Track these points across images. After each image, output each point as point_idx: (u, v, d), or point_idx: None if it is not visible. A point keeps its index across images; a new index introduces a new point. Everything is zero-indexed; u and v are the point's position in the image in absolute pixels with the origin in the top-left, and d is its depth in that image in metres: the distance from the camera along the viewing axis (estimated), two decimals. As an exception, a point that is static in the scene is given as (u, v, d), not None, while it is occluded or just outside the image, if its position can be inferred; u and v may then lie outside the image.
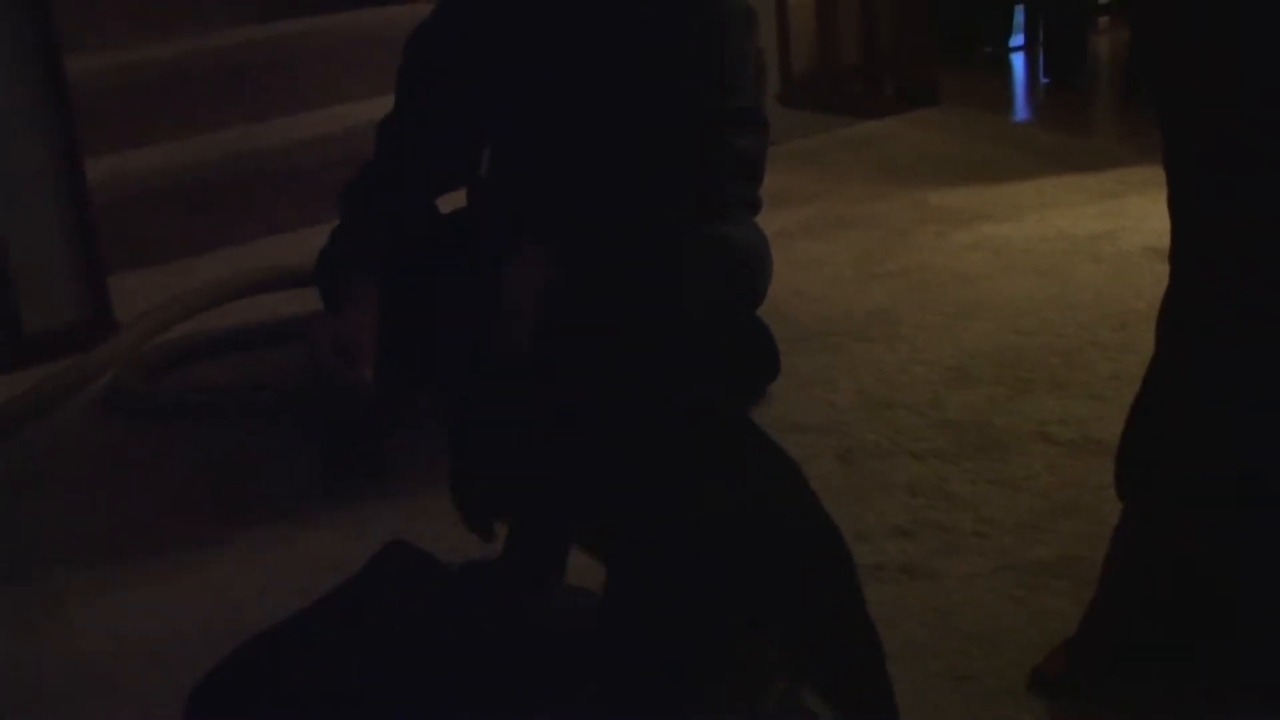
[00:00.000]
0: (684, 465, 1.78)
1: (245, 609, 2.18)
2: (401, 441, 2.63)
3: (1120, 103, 4.59)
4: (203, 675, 1.88)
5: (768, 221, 2.91)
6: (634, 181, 2.65)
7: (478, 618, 1.93)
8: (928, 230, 3.48)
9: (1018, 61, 5.19)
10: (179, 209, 3.77)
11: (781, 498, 1.76)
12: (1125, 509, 1.85)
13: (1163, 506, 1.79)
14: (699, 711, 1.68)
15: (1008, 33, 5.26)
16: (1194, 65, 1.66)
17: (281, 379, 2.96)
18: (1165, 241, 1.80)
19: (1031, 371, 2.72)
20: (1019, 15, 5.26)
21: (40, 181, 3.23)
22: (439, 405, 2.68)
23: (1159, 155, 1.75)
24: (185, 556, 2.41)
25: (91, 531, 2.53)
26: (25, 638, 2.23)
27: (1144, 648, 1.82)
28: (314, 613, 1.98)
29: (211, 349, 3.17)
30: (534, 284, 2.52)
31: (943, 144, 4.15)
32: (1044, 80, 4.93)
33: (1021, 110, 4.80)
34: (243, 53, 4.08)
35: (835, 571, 1.75)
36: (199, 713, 1.85)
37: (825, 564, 1.74)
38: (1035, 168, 3.86)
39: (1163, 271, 1.80)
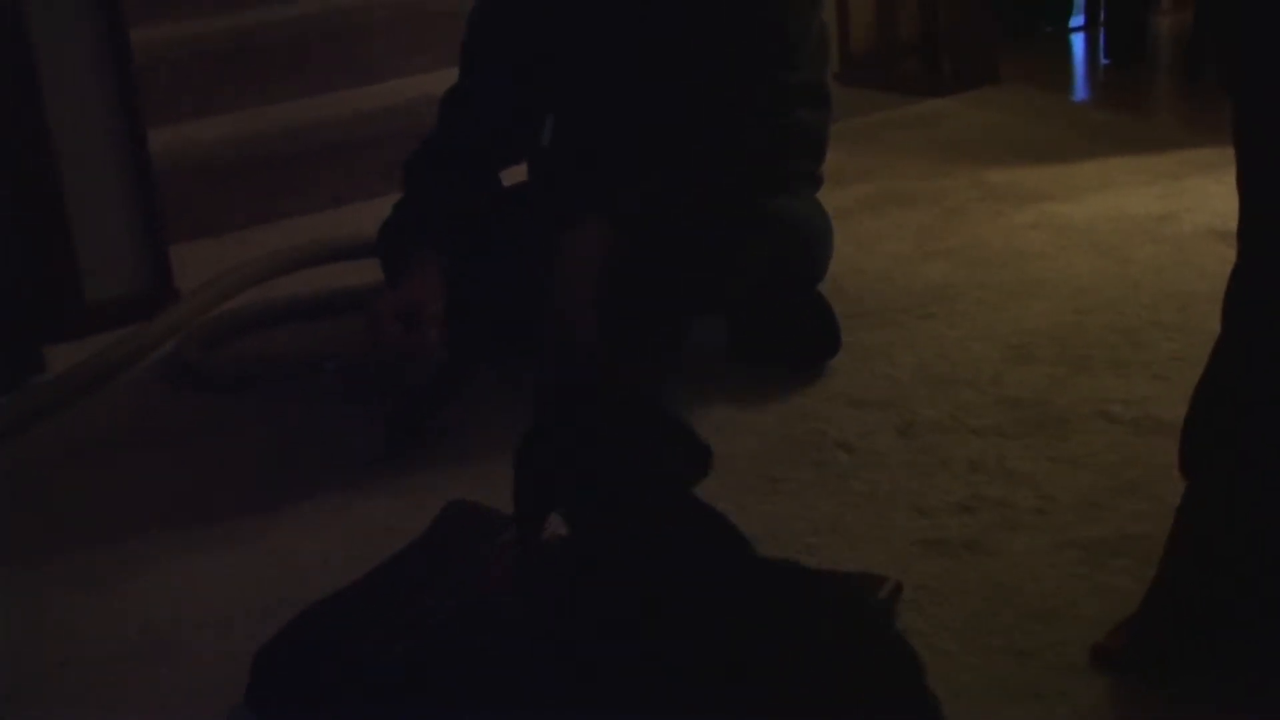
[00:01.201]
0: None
1: (307, 576, 2.19)
2: (460, 411, 2.65)
3: (1182, 84, 4.56)
4: (268, 639, 1.90)
5: (826, 199, 2.92)
6: (693, 154, 2.65)
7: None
8: (987, 208, 3.48)
9: (1078, 42, 5.16)
10: (240, 181, 3.80)
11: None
12: (1189, 487, 1.85)
13: (1227, 484, 1.79)
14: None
15: (1068, 12, 5.23)
16: (1264, 37, 1.65)
17: (342, 349, 2.98)
18: (1227, 223, 1.80)
19: (1092, 350, 2.72)
20: (1079, -5, 5.24)
21: (103, 152, 3.26)
22: (504, 375, 2.71)
23: (1220, 137, 1.76)
24: (246, 524, 2.42)
25: (152, 500, 2.55)
26: (89, 603, 2.25)
27: (1207, 625, 1.82)
28: (378, 576, 1.99)
29: (272, 319, 3.19)
30: (592, 257, 2.52)
31: (1002, 123, 4.14)
32: (1104, 61, 4.90)
33: (1081, 90, 4.78)
34: (304, 25, 4.09)
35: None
36: (264, 675, 1.87)
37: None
38: (1095, 148, 3.85)
39: (1224, 253, 1.79)
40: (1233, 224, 1.81)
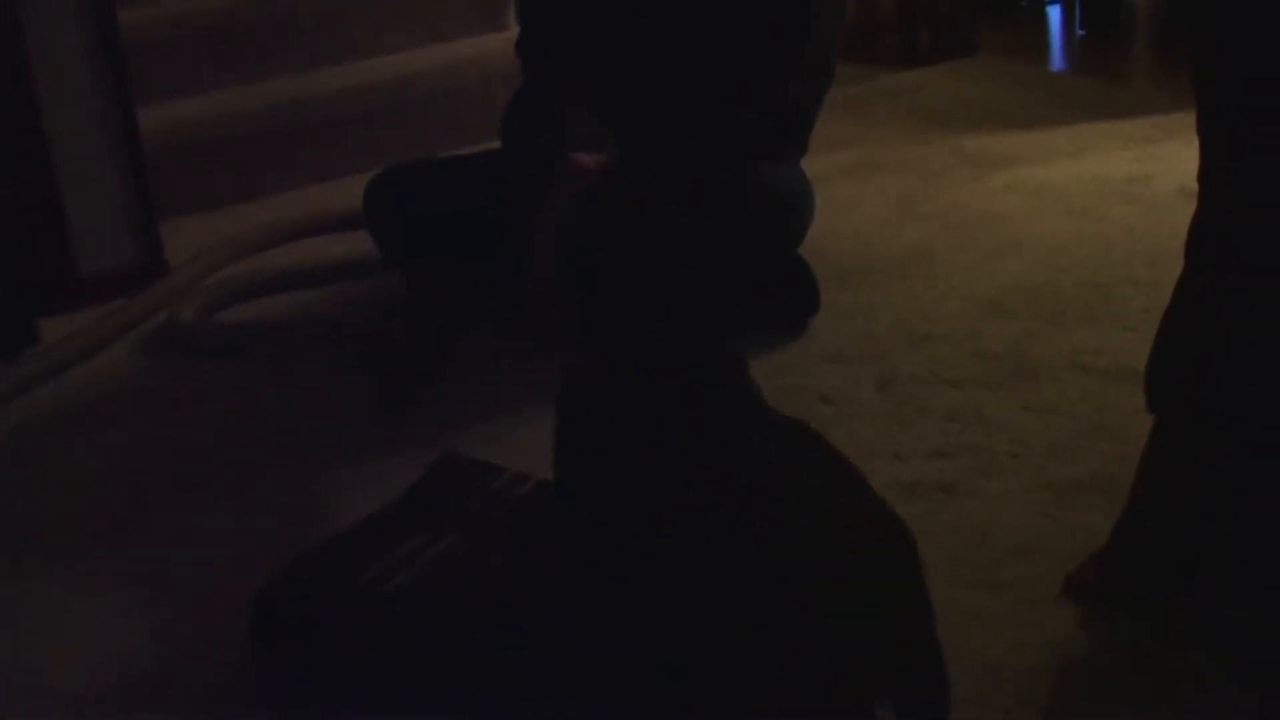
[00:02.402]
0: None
1: (308, 530, 2.22)
2: (461, 370, 2.71)
3: (1156, 53, 4.61)
4: (266, 580, 1.95)
5: (808, 166, 2.97)
6: (691, 120, 2.69)
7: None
8: (964, 174, 3.53)
9: (1054, 14, 5.22)
10: (228, 156, 3.84)
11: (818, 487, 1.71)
12: (1155, 422, 1.91)
13: (1192, 417, 1.85)
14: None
15: (1044, -15, 5.29)
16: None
17: (334, 316, 3.03)
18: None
19: (1066, 305, 2.77)
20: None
21: (94, 129, 3.30)
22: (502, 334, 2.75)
23: (1192, 102, 1.81)
24: (244, 483, 2.48)
25: (148, 463, 2.60)
26: (88, 560, 2.30)
27: (1173, 553, 1.88)
28: (374, 519, 2.04)
29: (262, 289, 3.23)
30: (568, 217, 2.54)
31: (979, 92, 4.19)
32: (1080, 32, 4.95)
33: (1058, 60, 4.83)
34: (291, 4, 4.13)
35: (896, 578, 1.65)
36: (264, 612, 1.91)
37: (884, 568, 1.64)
38: (1071, 115, 3.90)
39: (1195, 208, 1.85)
40: (1203, 184, 1.87)
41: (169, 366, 2.97)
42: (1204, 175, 1.83)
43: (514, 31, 3.09)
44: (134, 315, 3.14)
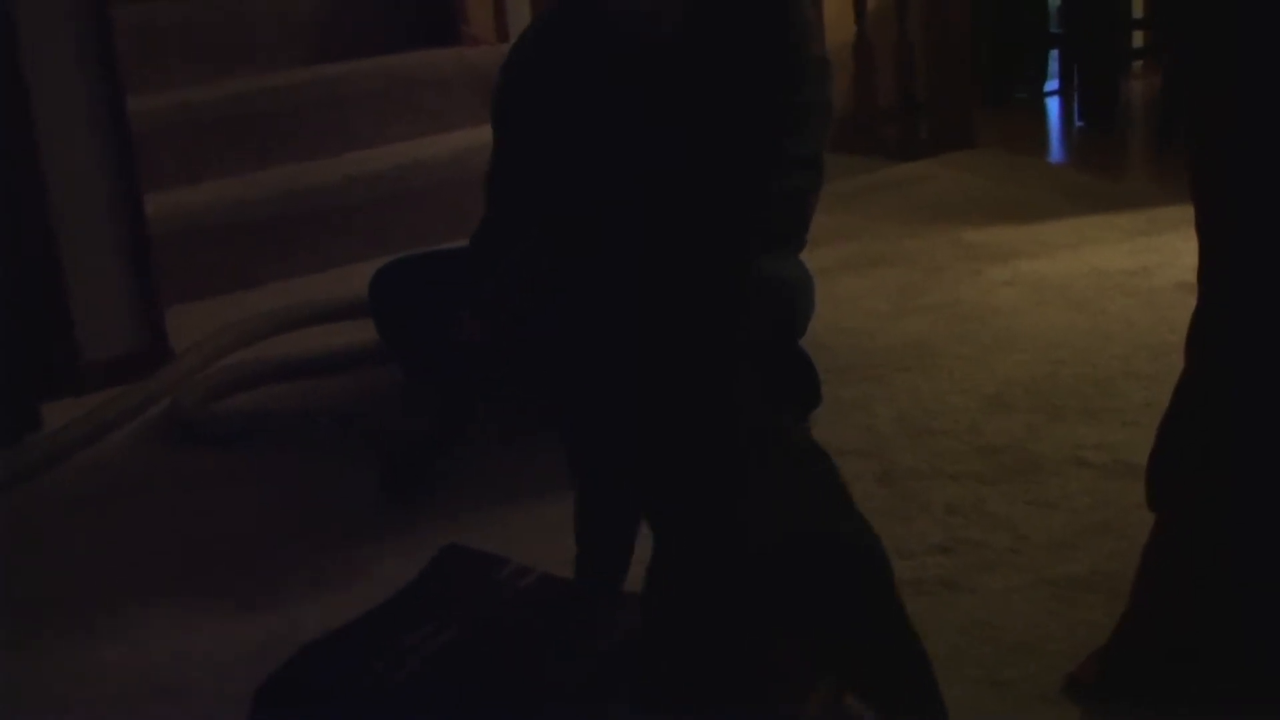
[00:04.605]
0: (722, 479, 1.83)
1: (304, 622, 2.23)
2: (456, 460, 2.71)
3: (1153, 145, 4.65)
4: (267, 676, 1.95)
5: (808, 258, 2.98)
6: (688, 217, 2.70)
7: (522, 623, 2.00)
8: (964, 267, 3.56)
9: (1052, 106, 5.27)
10: (233, 244, 3.86)
11: (819, 509, 1.80)
12: (1156, 521, 1.92)
13: (1193, 515, 1.85)
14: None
15: (1042, 78, 5.34)
16: (1226, 85, 1.74)
17: (337, 406, 3.04)
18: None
19: (1066, 399, 2.79)
20: (1053, 61, 5.34)
21: (101, 216, 3.33)
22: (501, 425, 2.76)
23: (1190, 194, 1.83)
24: (244, 573, 2.48)
25: (151, 550, 2.60)
26: (87, 649, 2.30)
27: (1173, 653, 1.88)
28: (374, 616, 2.05)
29: (265, 377, 3.25)
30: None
31: (978, 185, 4.22)
32: (1078, 124, 5.00)
33: (1056, 153, 4.88)
34: (295, 94, 4.18)
35: (872, 577, 1.78)
36: (264, 711, 1.92)
37: (862, 570, 1.78)
38: (1069, 208, 3.93)
39: (1194, 305, 1.87)
40: (1202, 278, 1.89)
41: (171, 454, 2.97)
42: (1203, 273, 1.85)
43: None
44: (137, 401, 3.15)
